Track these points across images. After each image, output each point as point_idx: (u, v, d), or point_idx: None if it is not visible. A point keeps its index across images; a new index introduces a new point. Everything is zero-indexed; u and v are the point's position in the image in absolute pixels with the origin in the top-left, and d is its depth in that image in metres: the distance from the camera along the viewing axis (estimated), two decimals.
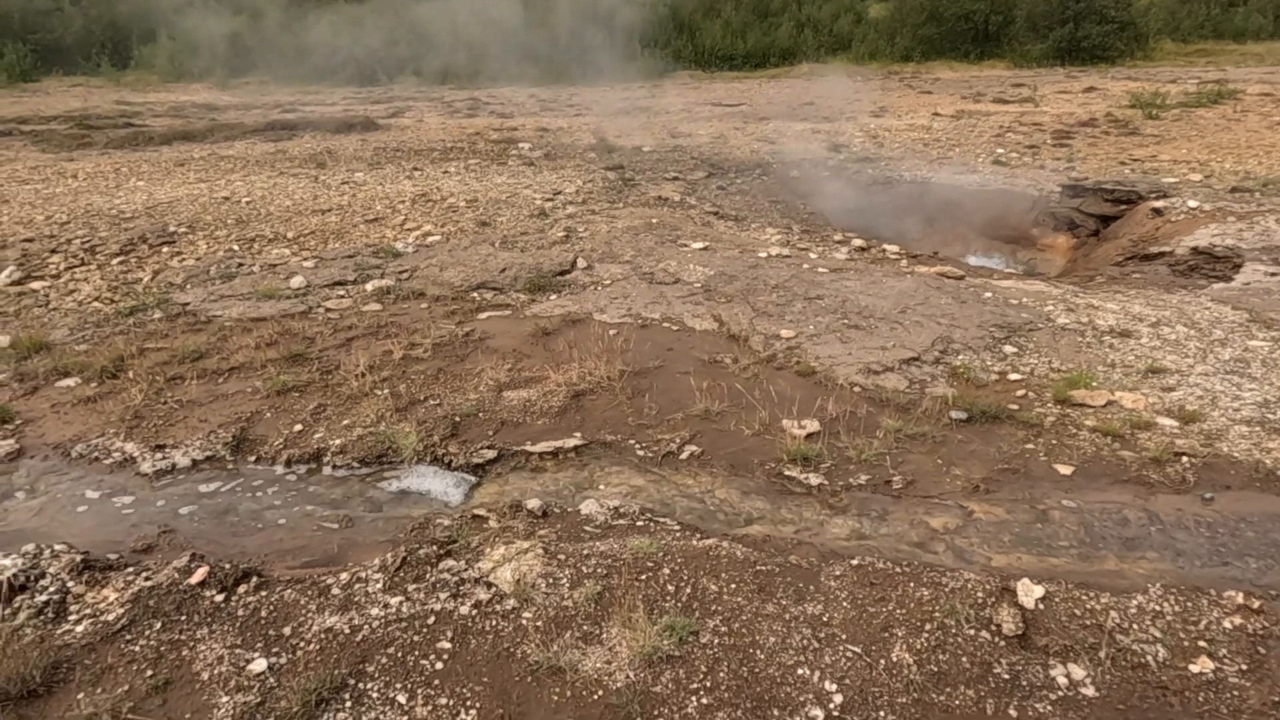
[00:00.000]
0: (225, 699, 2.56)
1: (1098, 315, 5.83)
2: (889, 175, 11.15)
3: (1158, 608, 2.86)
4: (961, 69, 28.24)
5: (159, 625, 2.86)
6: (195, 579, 3.05)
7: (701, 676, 2.61)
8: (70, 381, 4.94)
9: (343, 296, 6.46)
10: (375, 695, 2.56)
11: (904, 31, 30.90)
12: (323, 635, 2.80)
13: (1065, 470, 3.83)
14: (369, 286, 6.60)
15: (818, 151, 12.81)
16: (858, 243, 8.42)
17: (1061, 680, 2.58)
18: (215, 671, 2.67)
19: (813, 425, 4.25)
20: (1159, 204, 9.02)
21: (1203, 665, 2.62)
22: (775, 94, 22.14)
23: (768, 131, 15.11)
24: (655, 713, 2.49)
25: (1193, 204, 8.77)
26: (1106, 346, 5.27)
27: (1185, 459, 3.87)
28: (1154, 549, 3.28)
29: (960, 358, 5.10)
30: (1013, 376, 4.84)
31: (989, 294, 6.28)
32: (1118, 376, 4.81)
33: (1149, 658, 2.66)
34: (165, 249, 7.71)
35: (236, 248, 7.74)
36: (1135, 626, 2.78)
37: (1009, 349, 5.23)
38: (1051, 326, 5.61)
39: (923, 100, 19.68)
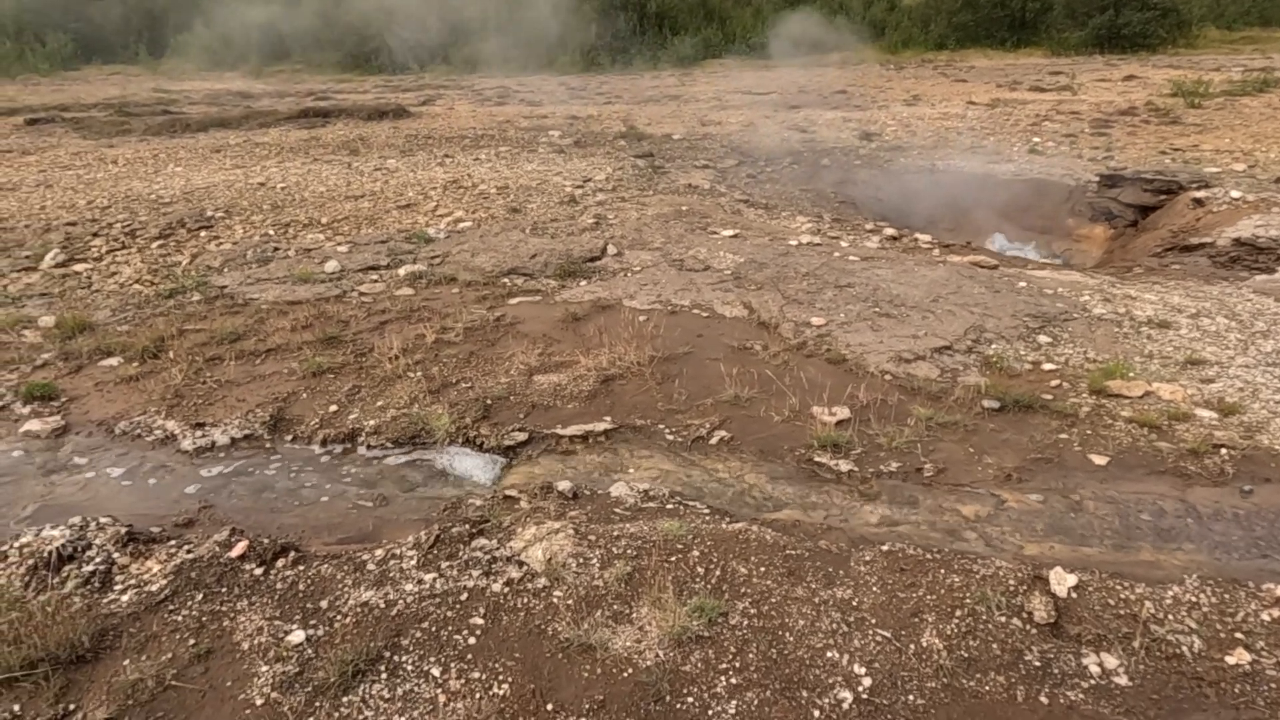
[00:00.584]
0: (265, 668, 2.62)
1: (1135, 306, 5.74)
2: (922, 164, 11.02)
3: (1194, 599, 2.82)
4: (997, 57, 27.78)
5: (200, 596, 2.94)
6: (235, 553, 3.13)
7: (731, 657, 2.63)
8: (113, 361, 5.06)
9: (376, 281, 6.54)
10: (410, 668, 2.61)
11: (938, 18, 30.44)
12: (359, 609, 2.86)
13: (1100, 460, 3.79)
14: (402, 271, 6.68)
15: (849, 140, 12.69)
16: (889, 231, 8.34)
17: (1094, 669, 2.57)
18: (255, 642, 2.74)
19: (843, 412, 4.24)
20: (1200, 194, 8.84)
21: (1239, 657, 2.59)
22: (806, 82, 21.93)
23: (799, 120, 14.99)
24: (684, 691, 2.52)
25: (1235, 194, 8.57)
26: (1144, 337, 5.19)
27: (1224, 451, 3.81)
28: (1190, 540, 3.24)
29: (993, 347, 5.05)
30: (1047, 366, 4.79)
31: (1023, 284, 6.20)
32: (1155, 367, 4.74)
33: (1184, 648, 2.63)
34: (203, 233, 7.85)
35: (272, 232, 7.86)
36: (1170, 617, 2.75)
37: (1043, 339, 5.17)
38: (1087, 317, 5.53)
39: (957, 88, 19.40)
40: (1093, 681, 2.53)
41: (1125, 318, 5.51)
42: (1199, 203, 8.73)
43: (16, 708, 2.49)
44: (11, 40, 31.18)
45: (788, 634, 2.71)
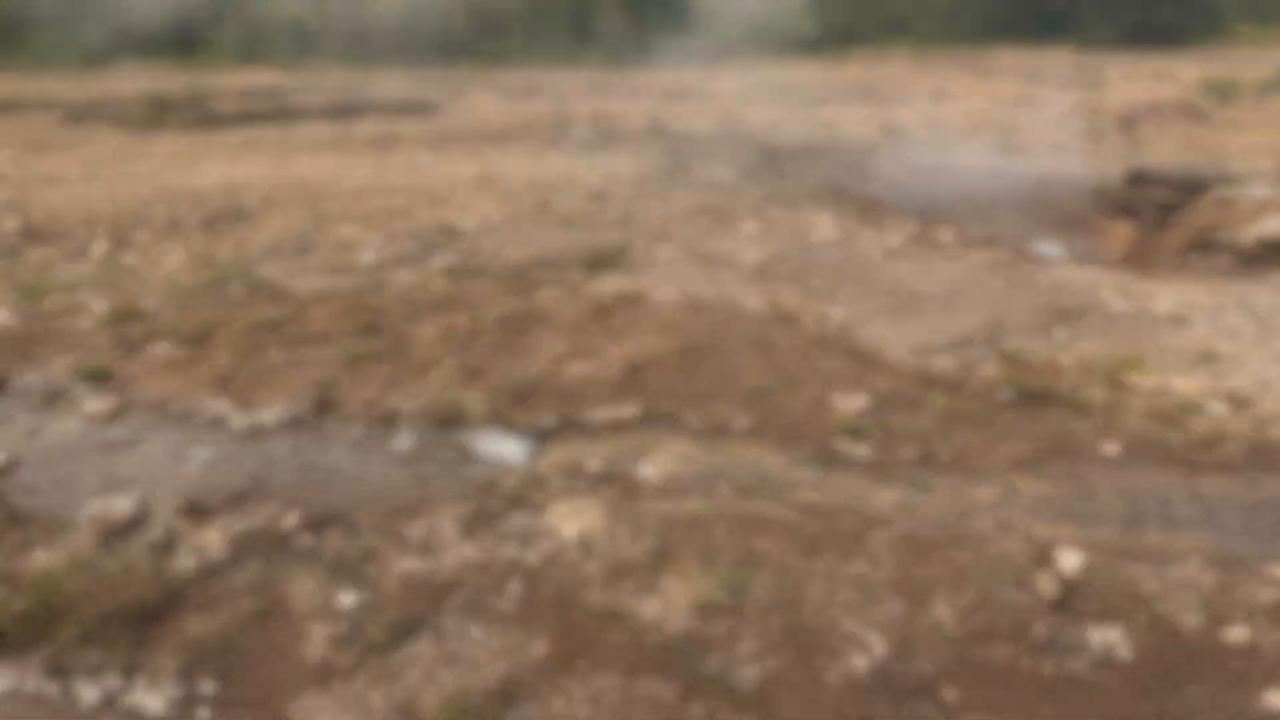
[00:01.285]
0: (318, 628, 2.83)
1: (1153, 302, 5.82)
2: (945, 161, 11.08)
3: (1196, 579, 2.95)
4: (1024, 52, 27.58)
5: (257, 563, 3.15)
6: (287, 523, 3.34)
7: (751, 625, 2.80)
8: (163, 345, 5.31)
9: (410, 272, 6.76)
10: (452, 629, 2.81)
11: (966, 13, 30.28)
12: (403, 576, 3.06)
13: (1112, 450, 3.91)
14: (434, 263, 6.90)
15: (873, 136, 12.77)
16: (911, 228, 8.45)
17: (1097, 642, 2.71)
18: (308, 604, 2.95)
19: (862, 401, 4.39)
20: (1226, 192, 8.85)
21: (1237, 634, 2.72)
22: (832, 77, 21.97)
23: (824, 116, 15.08)
24: (708, 656, 2.69)
25: (1262, 192, 8.58)
26: (1161, 332, 5.29)
27: (1234, 442, 3.92)
28: (1197, 525, 3.36)
29: (1011, 340, 5.17)
30: (1063, 359, 4.90)
31: (1043, 279, 6.31)
32: (1170, 361, 4.84)
33: (1184, 624, 2.76)
34: (242, 225, 8.13)
35: (309, 225, 8.11)
36: (1173, 595, 2.88)
37: (1060, 333, 5.28)
38: (1105, 312, 5.63)
39: (983, 84, 19.35)
40: (1096, 654, 2.68)
41: (1143, 313, 5.60)
42: (1225, 200, 8.75)
43: (95, 659, 2.72)
44: (47, 34, 31.89)
45: (806, 605, 2.88)
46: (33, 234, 7.80)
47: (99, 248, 7.34)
